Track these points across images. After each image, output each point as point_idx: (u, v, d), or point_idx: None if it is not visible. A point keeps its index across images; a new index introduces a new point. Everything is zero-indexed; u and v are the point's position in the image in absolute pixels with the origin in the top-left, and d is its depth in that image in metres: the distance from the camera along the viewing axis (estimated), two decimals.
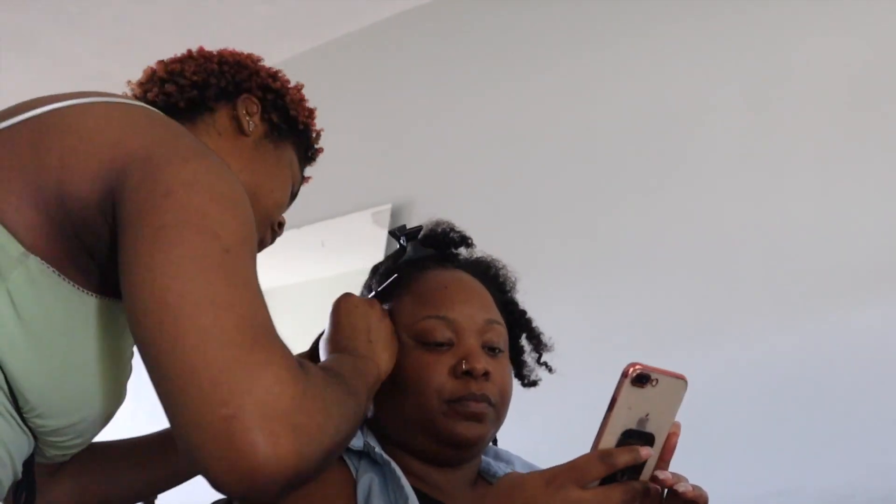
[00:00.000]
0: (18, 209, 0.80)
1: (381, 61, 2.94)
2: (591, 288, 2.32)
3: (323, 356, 1.03)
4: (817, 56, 2.14)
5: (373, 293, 1.12)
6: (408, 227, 1.17)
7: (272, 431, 0.67)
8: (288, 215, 1.15)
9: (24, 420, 0.82)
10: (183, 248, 0.73)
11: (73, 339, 0.82)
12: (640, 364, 0.77)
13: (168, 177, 0.78)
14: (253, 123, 1.06)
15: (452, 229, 1.18)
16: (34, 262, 0.80)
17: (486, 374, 1.01)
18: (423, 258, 1.14)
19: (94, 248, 0.82)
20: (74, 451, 0.90)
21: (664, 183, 2.29)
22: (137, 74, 1.10)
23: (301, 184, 1.17)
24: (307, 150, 1.17)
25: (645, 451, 0.78)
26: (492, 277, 1.15)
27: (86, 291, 0.83)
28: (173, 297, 0.71)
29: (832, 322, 1.96)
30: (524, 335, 1.16)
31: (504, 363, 1.07)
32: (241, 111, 1.06)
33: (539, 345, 1.16)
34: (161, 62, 1.11)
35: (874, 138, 2.03)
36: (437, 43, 2.88)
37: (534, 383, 1.16)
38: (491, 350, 1.05)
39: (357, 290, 1.17)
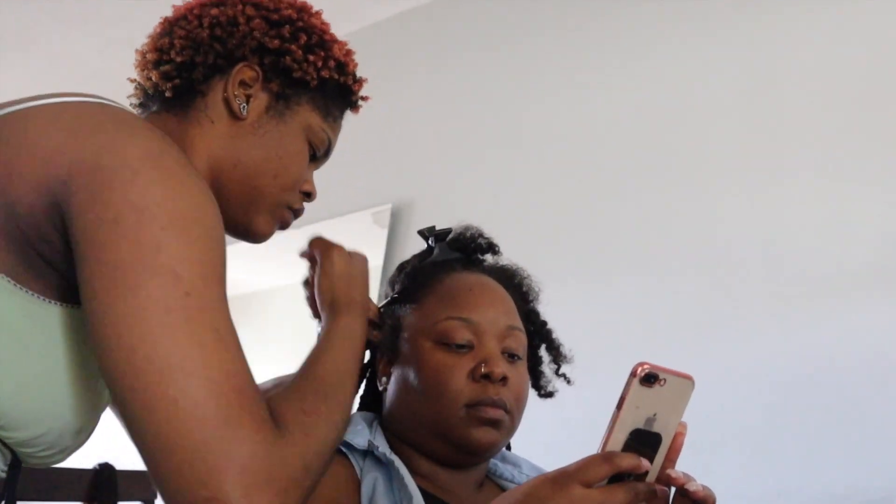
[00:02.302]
0: None
1: (380, 61, 2.94)
2: (590, 288, 2.32)
3: (321, 308, 1.03)
4: (817, 56, 2.14)
5: (395, 292, 1.12)
6: (437, 227, 1.17)
7: (254, 503, 0.68)
8: None
9: None
10: (141, 296, 0.71)
11: (34, 349, 0.80)
12: (648, 363, 0.77)
13: (116, 197, 0.73)
14: (245, 105, 0.96)
15: (481, 235, 1.17)
16: None
17: (504, 379, 1.01)
18: (451, 259, 1.14)
19: (50, 257, 0.79)
20: (55, 461, 0.88)
21: (664, 183, 2.29)
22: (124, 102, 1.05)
23: (334, 137, 1.06)
24: (337, 101, 1.04)
25: (646, 463, 0.79)
26: (516, 286, 1.15)
27: (47, 300, 0.80)
28: (140, 361, 0.70)
29: (832, 322, 1.96)
30: (544, 346, 1.16)
31: (522, 371, 1.07)
32: (231, 91, 0.96)
33: (558, 356, 1.16)
34: (151, 37, 1.01)
35: (874, 138, 2.02)
36: (437, 43, 2.88)
37: (550, 394, 1.16)
38: (510, 356, 1.05)
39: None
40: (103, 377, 0.73)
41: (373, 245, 2.72)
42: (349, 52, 1.05)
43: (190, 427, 0.69)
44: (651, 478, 0.80)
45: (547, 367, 1.16)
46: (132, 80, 1.02)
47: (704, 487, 0.82)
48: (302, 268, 1.15)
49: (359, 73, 1.07)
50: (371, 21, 2.95)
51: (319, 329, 1.03)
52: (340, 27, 1.07)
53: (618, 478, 0.78)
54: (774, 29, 2.23)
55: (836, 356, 1.93)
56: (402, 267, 1.17)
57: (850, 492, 1.85)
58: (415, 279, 1.11)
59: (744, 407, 2.00)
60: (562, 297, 2.38)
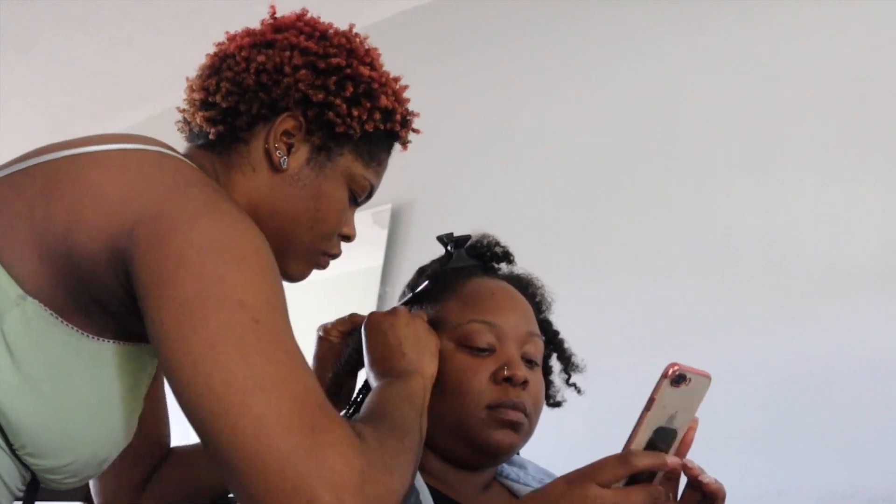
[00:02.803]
0: (22, 255, 0.80)
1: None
2: (590, 288, 2.32)
3: (372, 383, 1.02)
4: (817, 57, 2.14)
5: (415, 292, 1.13)
6: (455, 233, 1.18)
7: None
8: None
9: (17, 456, 0.82)
10: (212, 327, 0.73)
11: (70, 382, 0.82)
12: (678, 364, 0.79)
13: (179, 242, 0.76)
14: (286, 157, 0.96)
15: (497, 244, 1.20)
16: (31, 305, 0.79)
17: (524, 384, 1.03)
18: (471, 265, 1.15)
19: (105, 299, 0.82)
20: (74, 486, 0.89)
21: (665, 183, 2.29)
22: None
23: (377, 182, 1.07)
24: (382, 145, 1.05)
25: (672, 460, 0.80)
26: (530, 295, 1.17)
27: (90, 336, 0.83)
28: (219, 386, 0.71)
29: (832, 322, 1.96)
30: (555, 355, 1.18)
31: (539, 377, 1.09)
32: (272, 143, 0.95)
33: (570, 365, 1.17)
34: (199, 72, 1.00)
35: (875, 138, 2.02)
36: (437, 43, 2.88)
37: (558, 404, 1.18)
38: (529, 363, 1.07)
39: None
40: (184, 413, 0.75)
41: (373, 245, 2.72)
42: (398, 95, 1.05)
43: (279, 438, 0.70)
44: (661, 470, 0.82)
45: (557, 377, 1.18)
46: (180, 111, 1.02)
47: (716, 481, 0.83)
48: None
49: (411, 108, 1.08)
50: (371, 21, 2.94)
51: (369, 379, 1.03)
52: (340, 27, 1.07)
53: (634, 477, 0.79)
54: (774, 27, 2.23)
55: (836, 356, 1.93)
56: (422, 270, 1.19)
57: (850, 491, 1.85)
58: (436, 282, 1.13)
59: (744, 406, 2.00)
60: (561, 297, 2.38)
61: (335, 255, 1.04)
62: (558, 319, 1.21)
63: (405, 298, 1.15)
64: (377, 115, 1.00)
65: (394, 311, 1.07)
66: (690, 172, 2.26)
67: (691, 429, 0.83)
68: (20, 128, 3.58)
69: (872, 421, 1.86)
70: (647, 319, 2.19)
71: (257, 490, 0.69)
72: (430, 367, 1.02)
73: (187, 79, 1.02)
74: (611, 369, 2.09)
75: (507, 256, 1.20)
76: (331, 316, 1.19)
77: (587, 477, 0.78)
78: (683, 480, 0.87)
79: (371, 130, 1.00)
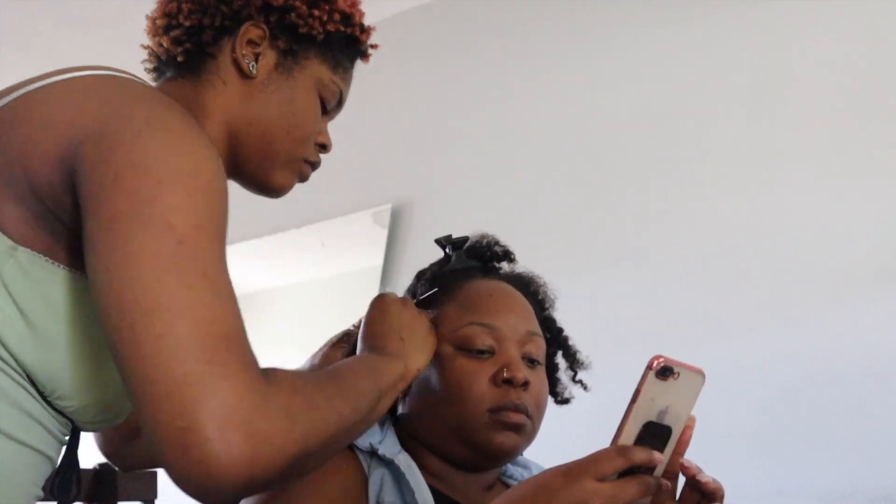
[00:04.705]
0: (0, 207, 0.81)
1: (380, 61, 2.93)
2: (590, 287, 2.32)
3: (358, 352, 1.03)
4: (817, 57, 2.14)
5: (416, 300, 1.13)
6: (453, 235, 1.17)
7: (226, 441, 0.68)
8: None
9: (49, 403, 0.84)
10: (133, 245, 0.72)
11: (73, 324, 0.82)
12: (663, 357, 0.78)
13: (118, 157, 0.76)
14: (254, 63, 0.98)
15: (497, 243, 1.19)
16: (23, 254, 0.80)
17: (525, 384, 1.02)
18: (470, 266, 1.14)
19: (79, 230, 0.81)
20: (109, 425, 0.91)
21: (665, 183, 2.29)
22: (136, 74, 1.07)
23: (346, 88, 1.07)
24: (346, 52, 1.06)
25: (658, 456, 0.79)
26: (532, 293, 1.17)
27: (81, 274, 0.82)
28: (128, 303, 0.71)
29: (833, 322, 1.96)
30: (560, 352, 1.18)
31: (541, 376, 1.08)
32: (239, 51, 0.97)
33: (575, 363, 1.17)
34: (159, 2, 1.02)
35: (875, 138, 2.03)
36: (437, 43, 2.88)
37: (566, 401, 1.18)
38: (530, 362, 1.06)
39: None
40: (99, 317, 0.75)
41: (373, 245, 2.72)
42: (355, 3, 1.07)
43: (172, 361, 0.69)
44: (660, 471, 0.81)
45: (563, 374, 1.18)
46: (145, 47, 1.04)
47: (714, 480, 0.83)
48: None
49: (366, 23, 1.10)
50: (371, 21, 2.94)
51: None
52: None
53: (628, 470, 0.78)
54: (775, 28, 2.23)
55: (836, 356, 1.93)
56: (420, 274, 1.18)
57: (850, 491, 1.85)
58: (434, 286, 1.12)
59: (743, 406, 2.00)
60: (561, 296, 2.38)
61: (315, 164, 1.06)
62: (559, 318, 1.21)
63: (426, 293, 1.14)
64: (337, 17, 1.03)
65: (405, 300, 1.08)
66: (690, 171, 2.26)
67: (688, 427, 0.83)
68: None
69: (872, 420, 1.86)
70: (648, 319, 2.19)
71: (146, 411, 0.69)
72: (417, 362, 1.01)
73: (147, 16, 1.04)
74: (612, 369, 2.09)
75: (507, 255, 1.20)
76: (331, 316, 1.19)
77: (584, 470, 0.78)
78: (682, 480, 0.87)
79: (333, 31, 1.02)
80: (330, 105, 1.05)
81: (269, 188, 1.03)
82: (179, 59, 0.99)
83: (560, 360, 1.18)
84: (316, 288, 2.97)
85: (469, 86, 2.75)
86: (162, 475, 0.98)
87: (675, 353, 0.82)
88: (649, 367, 0.78)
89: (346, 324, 1.18)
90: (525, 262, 1.22)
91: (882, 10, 2.08)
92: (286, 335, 2.50)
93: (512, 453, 1.04)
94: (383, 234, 2.70)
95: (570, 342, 1.18)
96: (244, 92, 0.98)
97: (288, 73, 1.00)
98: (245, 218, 3.07)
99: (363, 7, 1.10)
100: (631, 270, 2.27)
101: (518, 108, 2.63)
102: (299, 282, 3.02)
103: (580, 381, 1.17)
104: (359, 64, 1.11)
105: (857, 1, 2.12)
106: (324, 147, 1.06)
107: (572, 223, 2.42)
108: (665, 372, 0.78)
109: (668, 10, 2.41)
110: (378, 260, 2.65)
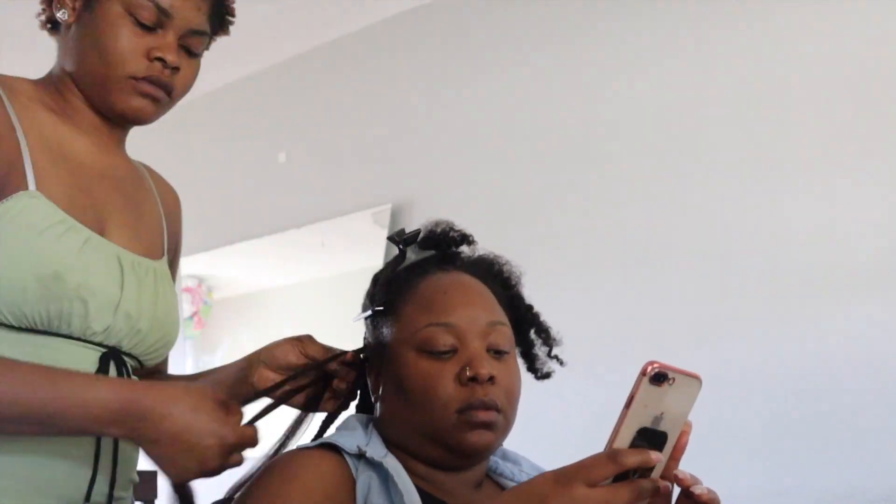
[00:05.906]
0: None
1: (381, 61, 2.94)
2: (590, 288, 2.32)
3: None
4: (817, 57, 2.14)
5: (373, 308, 1.10)
6: (407, 230, 1.14)
7: None
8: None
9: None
10: None
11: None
12: (658, 362, 0.76)
13: None
14: (65, 11, 1.07)
15: (452, 228, 1.14)
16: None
17: (491, 379, 1.00)
18: (424, 261, 1.11)
19: None
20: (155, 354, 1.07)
21: (665, 184, 2.29)
22: None
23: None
24: None
25: (655, 455, 0.77)
26: (495, 274, 1.13)
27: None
28: None
29: (833, 322, 1.96)
30: (532, 330, 1.15)
31: (510, 365, 1.05)
32: (55, 8, 1.08)
33: (547, 339, 1.14)
34: None
35: (875, 139, 2.03)
36: (436, 43, 2.88)
37: (547, 375, 1.14)
38: (496, 353, 1.04)
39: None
40: None
41: (373, 245, 2.72)
42: None
43: None
44: (656, 474, 0.80)
45: (539, 350, 1.15)
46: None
47: (710, 490, 0.81)
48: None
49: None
50: (370, 21, 2.94)
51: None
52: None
53: (622, 475, 0.78)
54: (776, 30, 2.23)
55: (836, 356, 1.93)
56: (376, 278, 1.14)
57: (850, 491, 1.85)
58: (390, 289, 1.09)
59: (744, 407, 2.00)
60: (562, 296, 2.39)
61: (156, 79, 1.07)
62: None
63: (365, 314, 1.11)
64: None
65: (227, 415, 0.95)
66: (692, 173, 2.26)
67: (684, 433, 0.81)
68: None
69: (872, 421, 1.86)
70: (648, 319, 2.19)
71: None
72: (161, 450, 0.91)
73: None
74: (611, 369, 2.09)
75: (465, 239, 1.14)
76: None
77: (576, 476, 0.76)
78: (677, 488, 0.86)
79: None
80: (144, 19, 1.05)
81: (120, 114, 1.08)
82: (52, 35, 1.11)
83: (534, 336, 1.14)
84: (316, 288, 2.97)
85: (469, 86, 2.75)
86: (162, 475, 0.96)
87: (674, 354, 0.81)
88: (643, 373, 0.77)
89: (345, 324, 1.18)
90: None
91: (882, 11, 2.07)
92: (286, 335, 2.50)
93: (488, 450, 1.02)
94: (383, 234, 2.70)
95: (542, 318, 1.14)
96: (67, 40, 1.08)
97: (91, 11, 1.06)
98: (245, 218, 3.08)
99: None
100: (632, 271, 2.27)
101: (518, 108, 2.63)
102: (299, 282, 3.02)
103: (556, 357, 1.14)
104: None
105: (857, 2, 2.11)
106: (161, 60, 1.06)
107: (572, 223, 2.42)
108: (659, 378, 0.77)
109: (668, 12, 2.41)
110: (378, 260, 2.64)
